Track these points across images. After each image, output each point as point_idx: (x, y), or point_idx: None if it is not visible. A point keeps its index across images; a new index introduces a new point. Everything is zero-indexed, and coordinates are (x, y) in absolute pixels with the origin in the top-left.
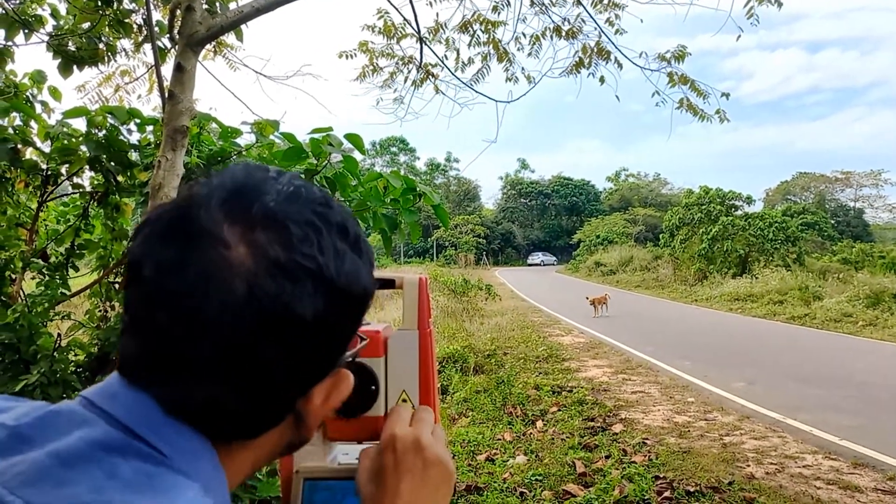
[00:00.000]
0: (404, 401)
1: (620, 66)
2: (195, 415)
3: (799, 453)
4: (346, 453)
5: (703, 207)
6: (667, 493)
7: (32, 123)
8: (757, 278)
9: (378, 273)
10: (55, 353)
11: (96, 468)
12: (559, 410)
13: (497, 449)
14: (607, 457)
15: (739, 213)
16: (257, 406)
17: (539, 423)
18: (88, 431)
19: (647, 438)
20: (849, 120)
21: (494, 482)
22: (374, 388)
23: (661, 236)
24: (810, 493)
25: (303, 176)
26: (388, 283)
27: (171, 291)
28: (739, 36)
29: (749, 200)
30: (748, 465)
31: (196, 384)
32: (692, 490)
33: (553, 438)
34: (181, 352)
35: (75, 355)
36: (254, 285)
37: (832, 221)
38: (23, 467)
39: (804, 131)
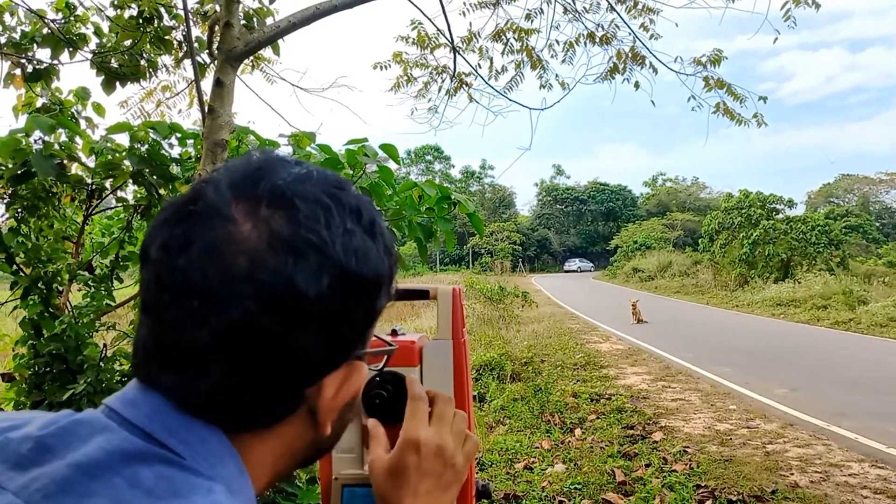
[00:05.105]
0: None
1: (655, 70)
2: (205, 406)
3: (844, 461)
4: None
5: (744, 211)
6: (708, 502)
7: (77, 139)
8: (800, 283)
9: (412, 284)
10: (101, 363)
11: (118, 477)
12: (598, 418)
13: (535, 457)
14: (647, 465)
15: (781, 216)
16: (265, 391)
17: (577, 431)
18: (109, 438)
19: (687, 446)
20: (894, 119)
21: (533, 491)
22: None
23: (700, 241)
24: (857, 502)
25: None
26: (423, 294)
27: (174, 269)
28: (776, 38)
29: (790, 204)
30: (792, 474)
31: (201, 367)
32: (734, 499)
33: (592, 447)
34: (184, 334)
35: (120, 365)
36: (255, 260)
37: (877, 224)
38: (45, 481)
39: (847, 132)
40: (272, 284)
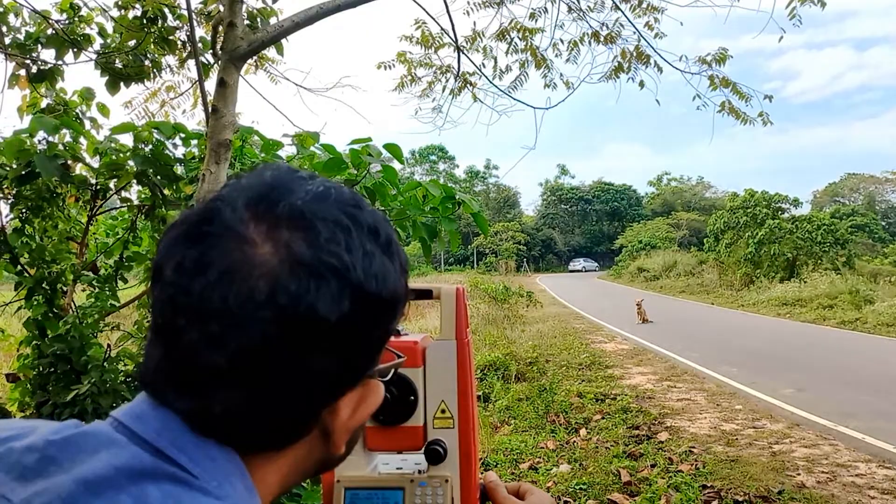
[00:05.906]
0: (443, 411)
1: (660, 69)
2: (217, 426)
3: (851, 462)
4: (387, 463)
5: (749, 211)
6: (714, 503)
7: (82, 140)
8: (805, 282)
9: (415, 283)
10: (105, 364)
11: (124, 494)
12: (603, 418)
13: (540, 457)
14: (653, 465)
15: (786, 215)
16: (280, 415)
17: (582, 432)
18: (117, 454)
19: (693, 447)
20: None
21: None
22: (412, 398)
23: (705, 241)
24: (864, 502)
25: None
26: (426, 294)
27: (190, 292)
28: (781, 37)
29: (796, 203)
30: (798, 474)
31: (215, 391)
32: (741, 499)
33: (597, 447)
34: (200, 356)
35: (125, 365)
36: (276, 284)
37: (883, 223)
38: (49, 496)
39: (854, 131)
40: (293, 309)
